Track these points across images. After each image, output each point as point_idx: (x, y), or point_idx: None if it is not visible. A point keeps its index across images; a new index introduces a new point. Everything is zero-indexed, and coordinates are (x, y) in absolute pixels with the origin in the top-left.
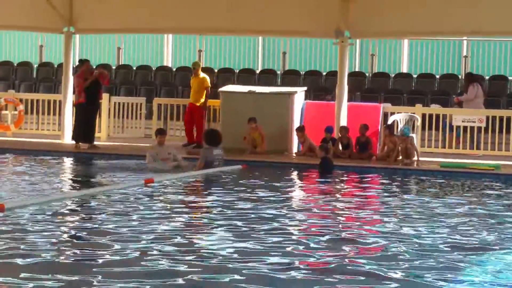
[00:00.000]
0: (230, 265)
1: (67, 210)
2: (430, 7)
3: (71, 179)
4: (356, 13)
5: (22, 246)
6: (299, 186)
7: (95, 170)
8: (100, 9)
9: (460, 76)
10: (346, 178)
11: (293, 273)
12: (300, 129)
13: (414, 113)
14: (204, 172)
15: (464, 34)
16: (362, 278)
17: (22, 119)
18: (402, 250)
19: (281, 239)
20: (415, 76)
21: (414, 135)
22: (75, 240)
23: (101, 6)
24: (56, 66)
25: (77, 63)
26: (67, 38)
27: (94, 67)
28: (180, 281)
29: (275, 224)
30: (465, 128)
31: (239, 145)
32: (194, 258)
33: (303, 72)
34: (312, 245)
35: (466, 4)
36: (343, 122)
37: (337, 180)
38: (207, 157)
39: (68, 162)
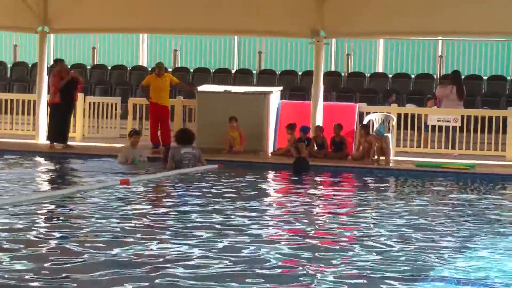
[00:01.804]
0: (204, 265)
1: (40, 210)
2: (406, 7)
3: (45, 180)
4: (332, 13)
5: None
6: (274, 186)
7: (69, 170)
8: (75, 9)
9: (435, 76)
10: (320, 177)
11: (267, 272)
12: (291, 127)
13: (389, 113)
14: (180, 172)
15: (439, 34)
16: (338, 277)
17: None
18: (378, 250)
19: (253, 238)
20: (390, 76)
21: (389, 135)
22: (47, 241)
23: (76, 6)
24: (30, 66)
25: (51, 63)
26: (41, 38)
27: (69, 67)
28: (157, 282)
29: (247, 225)
30: (440, 127)
31: (215, 145)
32: (168, 259)
33: (279, 72)
34: (285, 245)
35: (441, 4)
36: (319, 122)
37: (311, 180)
38: (174, 156)
39: (42, 162)
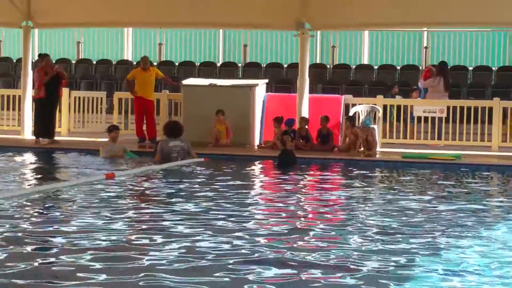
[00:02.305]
0: (190, 260)
1: (26, 206)
2: None
3: (31, 175)
4: (317, 5)
5: None
6: (261, 179)
7: (55, 165)
8: (58, 3)
9: (420, 67)
10: (307, 170)
11: (255, 266)
12: (278, 120)
13: (375, 104)
14: (166, 166)
15: (424, 25)
16: (327, 270)
17: None
18: (365, 242)
19: (240, 233)
20: (376, 67)
21: (375, 126)
22: (33, 237)
23: (60, 0)
24: (15, 61)
25: (36, 58)
26: (25, 33)
27: (54, 61)
28: (140, 278)
29: (233, 218)
30: (426, 118)
31: (201, 138)
32: (153, 253)
33: (264, 65)
34: (271, 238)
35: None
36: (305, 114)
37: (298, 172)
38: (163, 149)
39: (28, 157)
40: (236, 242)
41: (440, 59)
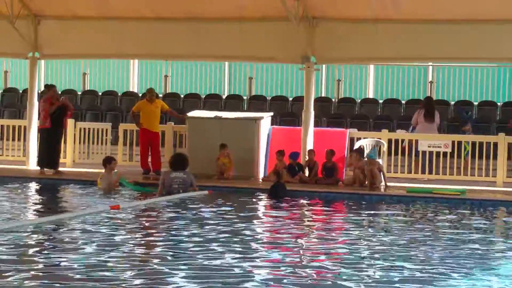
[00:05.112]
0: None
1: (31, 236)
2: (396, 33)
3: (35, 206)
4: (322, 39)
5: None
6: (265, 212)
7: (60, 196)
8: (65, 35)
9: None
10: (311, 203)
11: None
12: (281, 153)
13: (380, 139)
14: (170, 198)
15: (429, 60)
16: None
17: None
18: (368, 277)
19: (242, 265)
20: (381, 101)
21: (380, 160)
22: (37, 268)
23: (67, 32)
24: (21, 91)
25: (42, 89)
26: (32, 64)
27: (60, 92)
28: None
29: (238, 250)
30: (431, 153)
31: (206, 170)
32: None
33: (270, 98)
34: (272, 271)
35: (431, 30)
36: (310, 147)
37: (301, 205)
38: (164, 181)
39: (33, 188)
40: (239, 276)
41: (445, 94)
